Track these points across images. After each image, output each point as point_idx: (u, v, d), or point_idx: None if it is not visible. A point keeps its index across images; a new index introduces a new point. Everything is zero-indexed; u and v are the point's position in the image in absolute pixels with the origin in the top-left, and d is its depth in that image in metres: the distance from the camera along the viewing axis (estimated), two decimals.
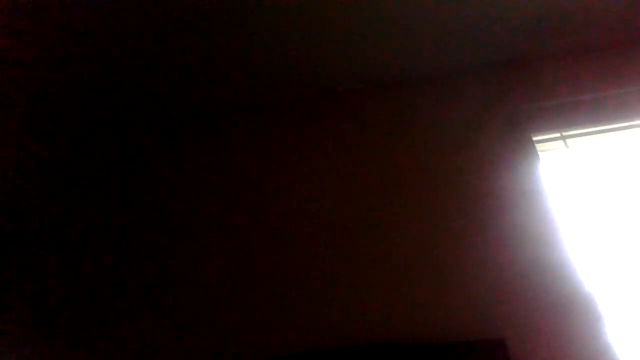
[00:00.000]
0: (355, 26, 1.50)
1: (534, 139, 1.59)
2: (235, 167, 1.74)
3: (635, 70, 1.61)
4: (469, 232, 1.43)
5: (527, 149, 1.54)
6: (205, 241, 1.62)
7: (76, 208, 1.79)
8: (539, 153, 1.58)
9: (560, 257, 1.33)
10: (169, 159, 1.82)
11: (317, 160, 1.69)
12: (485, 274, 1.35)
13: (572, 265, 1.32)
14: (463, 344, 1.23)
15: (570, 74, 1.65)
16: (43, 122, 1.71)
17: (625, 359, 1.20)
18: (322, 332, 1.37)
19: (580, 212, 1.43)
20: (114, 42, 1.44)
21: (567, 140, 1.59)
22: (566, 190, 1.48)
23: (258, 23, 1.45)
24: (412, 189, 1.54)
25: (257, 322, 1.43)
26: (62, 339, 1.54)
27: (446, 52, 1.66)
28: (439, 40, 1.60)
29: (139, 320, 1.52)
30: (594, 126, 1.57)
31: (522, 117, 1.61)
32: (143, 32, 1.42)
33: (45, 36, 1.38)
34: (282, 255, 1.53)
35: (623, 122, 1.56)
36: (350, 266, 1.46)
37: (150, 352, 1.45)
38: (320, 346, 1.35)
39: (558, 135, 1.59)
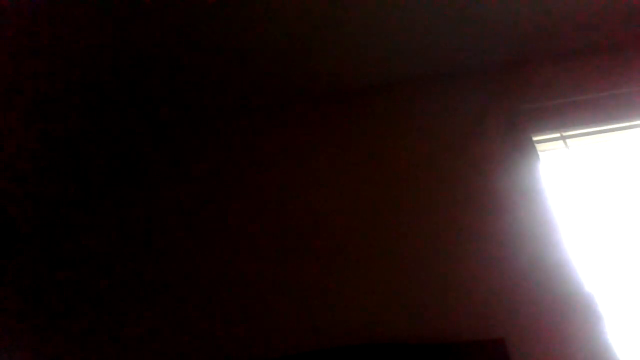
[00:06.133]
0: (355, 26, 1.50)
1: (534, 139, 1.59)
2: (235, 167, 1.75)
3: (635, 70, 1.61)
4: (468, 231, 1.43)
5: (527, 149, 1.54)
6: (204, 241, 1.62)
7: (75, 208, 1.79)
8: (539, 153, 1.58)
9: (560, 257, 1.33)
10: (169, 159, 1.82)
11: (316, 160, 1.69)
12: (485, 274, 1.35)
13: (572, 265, 1.32)
14: (462, 343, 1.23)
15: (570, 74, 1.65)
16: (41, 122, 1.71)
17: (625, 359, 1.20)
18: (321, 332, 1.37)
19: (580, 212, 1.43)
20: (113, 41, 1.45)
21: (567, 140, 1.58)
22: (566, 190, 1.48)
23: (258, 23, 1.45)
24: (412, 189, 1.54)
25: (257, 322, 1.43)
26: (62, 340, 1.54)
27: (446, 53, 1.67)
28: (439, 41, 1.60)
29: (138, 320, 1.52)
30: (594, 126, 1.57)
31: (522, 117, 1.61)
32: (142, 31, 1.43)
33: (44, 35, 1.38)
34: (282, 255, 1.53)
35: (623, 122, 1.56)
36: (350, 266, 1.46)
37: (150, 352, 1.46)
38: (319, 346, 1.34)
39: (558, 135, 1.59)
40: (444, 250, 1.41)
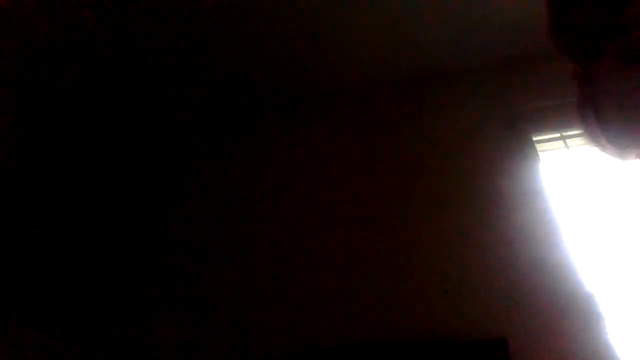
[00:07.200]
0: (356, 27, 1.50)
1: (534, 139, 1.58)
2: (236, 167, 1.74)
3: None
4: (469, 231, 1.43)
5: (527, 149, 1.54)
6: (206, 241, 1.61)
7: (76, 209, 1.78)
8: (539, 153, 1.58)
9: (561, 257, 1.34)
10: (174, 160, 1.82)
11: (318, 159, 1.68)
12: (486, 274, 1.35)
13: (573, 265, 1.32)
14: (465, 343, 1.23)
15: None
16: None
17: (625, 359, 1.20)
18: (323, 331, 1.36)
19: (581, 212, 1.44)
20: (123, 45, 1.43)
21: (567, 140, 1.59)
22: (566, 190, 1.48)
23: (259, 23, 1.45)
24: (413, 189, 1.54)
25: (257, 322, 1.43)
26: (63, 340, 1.53)
27: (446, 53, 1.66)
28: (439, 41, 1.60)
29: (138, 321, 1.52)
30: None
31: (522, 117, 1.61)
32: (153, 34, 1.42)
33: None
34: (284, 255, 1.52)
35: None
36: (352, 266, 1.45)
37: (152, 352, 1.45)
38: (321, 345, 1.34)
39: (558, 135, 1.59)
40: (445, 250, 1.41)
